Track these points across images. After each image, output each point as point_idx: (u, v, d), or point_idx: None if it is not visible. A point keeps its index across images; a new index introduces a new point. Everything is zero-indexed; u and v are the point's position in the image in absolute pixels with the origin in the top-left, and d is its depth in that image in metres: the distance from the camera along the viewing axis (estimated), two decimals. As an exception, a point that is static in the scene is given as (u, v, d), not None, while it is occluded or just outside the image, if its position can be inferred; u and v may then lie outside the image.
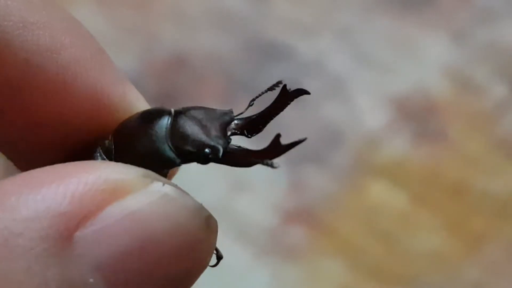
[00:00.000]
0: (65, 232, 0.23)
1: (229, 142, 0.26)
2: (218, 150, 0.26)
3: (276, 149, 0.25)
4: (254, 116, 0.27)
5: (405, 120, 0.72)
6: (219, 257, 0.29)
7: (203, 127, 0.26)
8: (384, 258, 0.65)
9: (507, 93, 0.73)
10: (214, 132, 0.26)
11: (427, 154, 0.70)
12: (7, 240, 0.22)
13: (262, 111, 0.27)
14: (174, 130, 0.27)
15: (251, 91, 0.70)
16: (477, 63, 0.75)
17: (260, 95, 0.28)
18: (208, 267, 0.26)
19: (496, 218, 0.67)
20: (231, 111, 0.27)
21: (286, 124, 0.71)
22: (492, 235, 0.66)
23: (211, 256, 0.25)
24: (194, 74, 0.73)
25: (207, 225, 0.25)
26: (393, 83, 0.74)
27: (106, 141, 0.28)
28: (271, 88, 0.28)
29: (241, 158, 0.26)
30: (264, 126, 0.27)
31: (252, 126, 0.27)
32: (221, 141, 0.26)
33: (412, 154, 0.70)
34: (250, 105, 0.28)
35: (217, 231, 0.26)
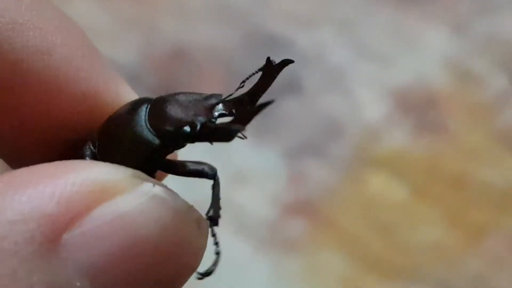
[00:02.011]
0: (51, 235, 0.22)
1: (212, 121, 0.25)
2: (195, 125, 0.25)
3: (248, 112, 0.24)
4: (242, 95, 0.26)
5: (405, 112, 0.71)
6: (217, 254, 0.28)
7: (185, 108, 0.26)
8: (384, 250, 0.65)
9: (507, 85, 0.73)
10: (194, 111, 0.26)
11: (427, 146, 0.70)
12: None
13: (249, 89, 0.26)
14: (153, 113, 0.26)
15: (251, 83, 0.69)
16: (478, 55, 0.75)
17: (250, 76, 0.27)
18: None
19: (497, 210, 0.67)
20: (219, 95, 0.26)
21: (285, 116, 0.71)
22: (493, 226, 0.66)
23: (201, 258, 0.25)
24: (194, 66, 0.73)
25: (198, 226, 0.24)
26: (393, 75, 0.74)
27: (94, 134, 0.28)
28: (261, 69, 0.26)
29: (216, 131, 0.25)
30: (254, 104, 0.26)
31: (241, 105, 0.26)
32: (200, 118, 0.25)
33: (412, 146, 0.70)
34: (240, 87, 0.27)
35: (207, 233, 0.25)
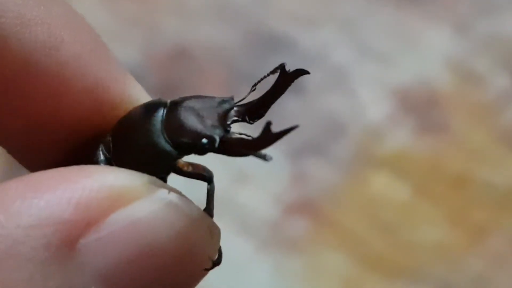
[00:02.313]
0: (68, 240, 0.22)
1: (228, 131, 0.26)
2: (214, 140, 0.25)
3: (267, 137, 0.24)
4: (255, 101, 0.26)
5: (407, 112, 0.71)
6: (219, 258, 0.28)
7: (200, 116, 0.26)
8: (387, 249, 0.65)
9: (509, 85, 0.73)
10: (211, 121, 0.26)
11: (430, 146, 0.70)
12: (9, 248, 0.22)
13: (262, 95, 0.26)
14: (169, 122, 0.26)
15: (252, 82, 0.69)
16: (479, 55, 0.75)
17: (261, 80, 0.27)
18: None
19: (499, 209, 0.67)
20: (231, 98, 0.26)
21: (288, 116, 0.71)
22: (495, 226, 0.66)
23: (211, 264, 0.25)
24: (196, 65, 0.73)
25: (210, 233, 0.25)
26: (395, 75, 0.73)
27: (107, 137, 0.27)
28: (272, 72, 0.27)
29: (235, 148, 0.25)
30: (266, 110, 0.26)
31: (254, 111, 0.26)
32: (217, 131, 0.25)
33: (415, 146, 0.70)
34: (251, 90, 0.27)
35: (219, 238, 0.26)
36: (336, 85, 0.72)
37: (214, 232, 0.25)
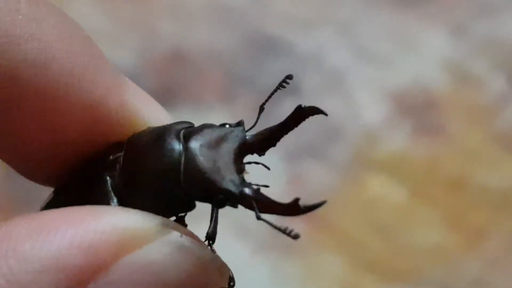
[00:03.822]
0: (77, 285, 0.22)
1: (244, 182, 0.25)
2: (233, 197, 0.25)
3: (294, 209, 0.25)
4: (267, 133, 0.26)
5: (404, 114, 0.71)
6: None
7: (216, 162, 0.25)
8: (384, 252, 0.65)
9: (505, 87, 0.73)
10: (228, 171, 0.25)
11: (426, 148, 0.70)
12: None
13: (275, 127, 0.26)
14: (187, 175, 0.25)
15: (250, 85, 0.69)
16: (476, 57, 0.75)
17: (270, 97, 0.27)
18: None
19: (496, 211, 0.67)
20: (241, 128, 0.26)
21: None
22: (492, 228, 0.66)
23: None
24: (193, 68, 0.73)
25: (220, 273, 0.25)
26: (392, 77, 0.74)
27: (116, 170, 0.27)
28: (280, 85, 0.27)
29: (258, 207, 0.26)
30: (278, 141, 0.26)
31: (266, 144, 0.26)
32: (235, 185, 0.25)
33: (411, 148, 0.70)
34: (261, 110, 0.27)
35: (228, 277, 0.26)
36: (333, 87, 0.72)
37: (224, 272, 0.25)
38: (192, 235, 0.25)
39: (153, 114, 0.28)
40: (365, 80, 0.73)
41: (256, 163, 0.26)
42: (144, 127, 0.28)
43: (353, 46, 0.75)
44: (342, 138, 0.70)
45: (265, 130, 0.26)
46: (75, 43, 0.26)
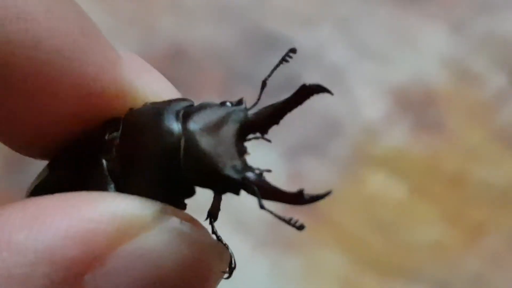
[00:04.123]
0: (73, 277, 0.21)
1: (246, 167, 0.25)
2: (235, 183, 0.24)
3: (299, 198, 0.24)
4: (269, 111, 0.25)
5: (404, 111, 0.71)
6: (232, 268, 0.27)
7: (218, 145, 0.24)
8: (383, 249, 0.65)
9: (506, 83, 0.73)
10: (230, 155, 0.24)
11: (426, 145, 0.70)
12: (12, 285, 0.21)
13: (276, 105, 0.26)
14: (187, 159, 0.24)
15: (250, 82, 0.69)
16: (476, 54, 0.75)
17: (273, 71, 0.26)
18: None
19: (496, 208, 0.67)
20: (243, 107, 0.25)
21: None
22: (492, 225, 0.66)
23: (219, 281, 0.25)
24: (193, 65, 0.73)
25: (220, 258, 0.25)
26: (392, 74, 0.73)
27: (112, 153, 0.26)
28: (284, 59, 0.26)
29: (261, 194, 0.25)
30: (281, 118, 0.26)
31: (268, 122, 0.26)
32: (237, 170, 0.24)
33: (411, 145, 0.70)
34: (263, 86, 0.26)
35: (228, 261, 0.25)
36: (332, 84, 0.72)
37: (224, 256, 0.25)
38: (191, 220, 0.24)
39: (151, 87, 0.27)
40: (365, 77, 0.73)
41: (257, 138, 0.26)
42: (142, 100, 0.27)
43: (353, 43, 0.75)
44: (342, 135, 0.70)
45: (268, 107, 0.26)
46: (65, 20, 0.25)
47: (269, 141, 0.26)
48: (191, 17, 0.76)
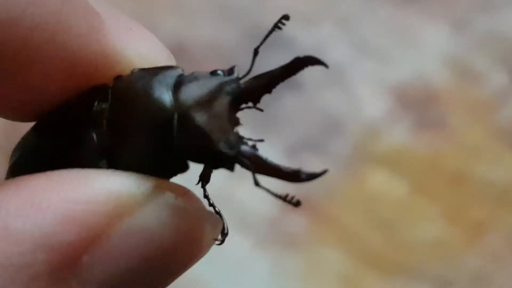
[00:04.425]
0: (72, 260, 0.21)
1: (240, 140, 0.24)
2: (230, 159, 0.24)
3: (295, 175, 0.24)
4: (262, 81, 0.25)
5: (405, 109, 0.71)
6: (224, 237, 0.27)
7: (211, 118, 0.24)
8: (384, 247, 0.65)
9: (507, 82, 0.73)
10: (224, 128, 0.24)
11: (427, 143, 0.70)
12: (12, 277, 0.21)
13: (270, 74, 0.25)
14: (180, 133, 0.24)
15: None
16: (478, 52, 0.75)
17: (265, 39, 0.26)
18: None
19: (497, 206, 0.67)
20: (235, 77, 0.25)
21: (285, 113, 0.71)
22: (493, 223, 0.66)
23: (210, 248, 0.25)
24: (193, 63, 0.73)
25: (214, 228, 0.25)
26: (393, 72, 0.73)
27: (102, 126, 0.25)
28: (276, 26, 0.26)
29: (256, 169, 0.24)
30: (273, 88, 0.25)
31: (260, 91, 0.25)
32: (232, 145, 0.24)
33: (412, 143, 0.70)
34: (255, 54, 0.26)
35: (220, 230, 0.26)
36: (333, 82, 0.72)
37: (218, 226, 0.25)
38: (186, 193, 0.24)
39: (138, 49, 0.26)
40: (366, 75, 0.73)
41: (249, 107, 0.25)
42: (129, 66, 0.26)
43: (354, 41, 0.75)
44: (343, 133, 0.70)
45: (260, 77, 0.25)
46: None
47: (261, 110, 0.25)
48: (192, 15, 0.76)
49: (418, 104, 0.72)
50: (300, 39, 0.73)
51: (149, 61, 0.26)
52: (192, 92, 0.25)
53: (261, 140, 0.25)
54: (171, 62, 0.28)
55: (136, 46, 0.26)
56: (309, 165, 0.68)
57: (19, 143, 0.28)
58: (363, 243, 0.65)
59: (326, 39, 0.75)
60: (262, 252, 0.64)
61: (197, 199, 0.25)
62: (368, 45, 0.75)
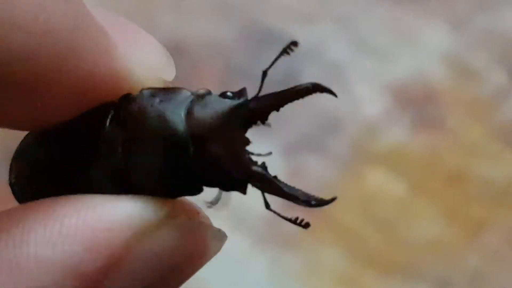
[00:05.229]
0: (95, 284, 0.22)
1: (251, 162, 0.25)
2: (243, 184, 0.26)
3: (305, 203, 0.26)
4: (270, 103, 0.26)
5: (403, 108, 0.71)
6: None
7: (225, 147, 0.25)
8: (383, 246, 0.65)
9: (506, 81, 0.73)
10: (237, 153, 0.25)
11: (426, 142, 0.70)
12: None
13: (279, 96, 0.26)
14: (196, 164, 0.25)
15: (249, 78, 0.69)
16: (476, 51, 0.74)
17: (273, 63, 0.26)
18: None
19: (495, 205, 0.67)
20: (246, 100, 0.25)
21: (284, 112, 0.70)
22: (492, 222, 0.66)
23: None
24: (192, 61, 0.73)
25: (219, 242, 0.26)
26: (392, 71, 0.73)
27: (117, 152, 0.25)
28: (285, 51, 0.26)
29: (267, 191, 0.26)
30: (282, 107, 0.26)
31: (268, 112, 0.26)
32: (245, 171, 0.25)
33: (411, 142, 0.70)
34: (264, 76, 0.26)
35: (224, 243, 0.27)
36: (332, 81, 0.71)
37: (223, 240, 0.26)
38: (197, 213, 0.25)
39: (147, 64, 0.26)
40: (364, 74, 0.73)
41: (257, 125, 0.26)
42: (138, 85, 0.26)
43: (352, 40, 0.75)
44: (341, 132, 0.70)
45: (270, 97, 0.26)
46: (57, 15, 0.23)
47: (269, 126, 0.26)
48: (190, 13, 0.76)
49: (417, 103, 0.72)
50: (298, 37, 0.73)
51: (151, 66, 0.27)
52: (205, 119, 0.25)
53: (270, 153, 0.27)
54: (170, 64, 0.28)
55: (141, 59, 0.26)
56: (308, 164, 0.68)
57: (22, 151, 0.27)
58: (361, 242, 0.65)
59: (324, 37, 0.74)
60: (261, 252, 0.64)
61: (206, 217, 0.26)
62: (366, 44, 0.75)
